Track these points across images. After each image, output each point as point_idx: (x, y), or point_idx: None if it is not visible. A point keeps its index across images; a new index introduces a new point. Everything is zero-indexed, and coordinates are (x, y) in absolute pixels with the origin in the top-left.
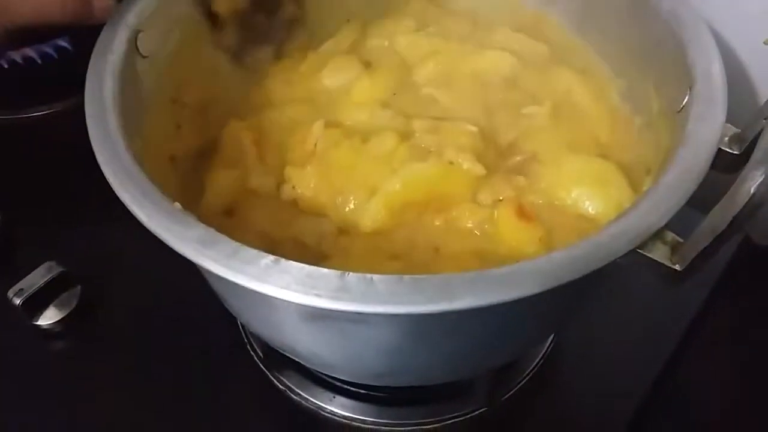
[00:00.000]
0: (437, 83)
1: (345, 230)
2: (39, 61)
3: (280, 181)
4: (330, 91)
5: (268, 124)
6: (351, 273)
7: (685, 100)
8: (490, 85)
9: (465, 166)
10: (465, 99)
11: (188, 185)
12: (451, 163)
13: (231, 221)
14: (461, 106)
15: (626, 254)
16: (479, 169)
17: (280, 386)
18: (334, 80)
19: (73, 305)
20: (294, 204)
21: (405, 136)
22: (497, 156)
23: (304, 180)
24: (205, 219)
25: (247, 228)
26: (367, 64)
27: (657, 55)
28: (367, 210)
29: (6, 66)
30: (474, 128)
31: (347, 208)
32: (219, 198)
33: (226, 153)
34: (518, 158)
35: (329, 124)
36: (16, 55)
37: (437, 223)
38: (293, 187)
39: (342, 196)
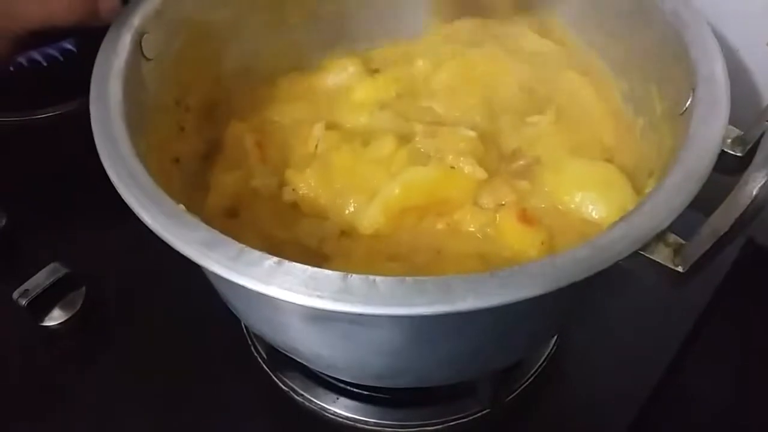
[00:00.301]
0: (441, 85)
1: (347, 232)
2: (44, 64)
3: (282, 182)
4: (332, 93)
5: (270, 126)
6: (353, 275)
7: (689, 102)
8: (495, 87)
9: (466, 170)
10: (469, 102)
11: (192, 187)
12: (452, 167)
13: (234, 222)
14: (465, 109)
15: (629, 256)
16: (481, 173)
17: (284, 387)
18: (337, 81)
19: (78, 306)
20: (295, 206)
21: (405, 139)
22: (500, 160)
23: (304, 182)
24: (209, 220)
25: (249, 229)
26: (373, 66)
27: (659, 57)
28: (365, 214)
29: (11, 69)
30: (473, 133)
31: (347, 211)
32: (222, 199)
33: (229, 154)
34: (521, 162)
35: (330, 126)
36: (22, 58)
37: (439, 227)
38: (294, 190)
39: (342, 199)
